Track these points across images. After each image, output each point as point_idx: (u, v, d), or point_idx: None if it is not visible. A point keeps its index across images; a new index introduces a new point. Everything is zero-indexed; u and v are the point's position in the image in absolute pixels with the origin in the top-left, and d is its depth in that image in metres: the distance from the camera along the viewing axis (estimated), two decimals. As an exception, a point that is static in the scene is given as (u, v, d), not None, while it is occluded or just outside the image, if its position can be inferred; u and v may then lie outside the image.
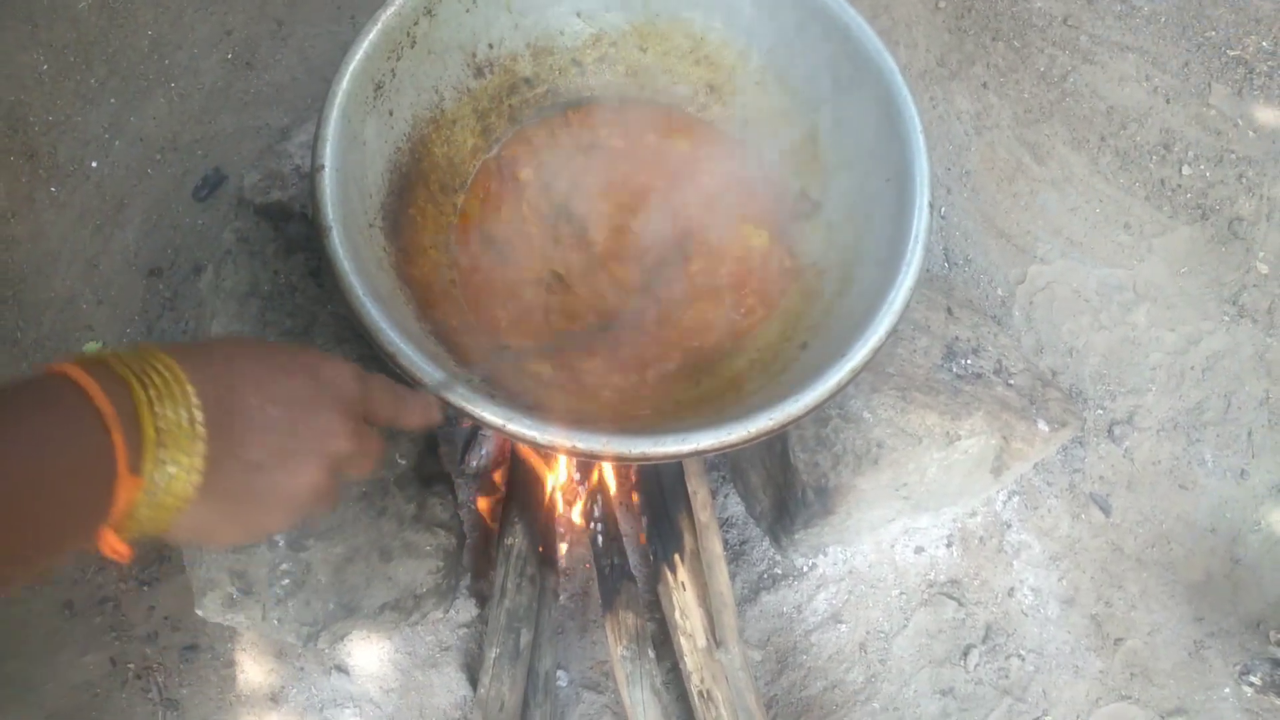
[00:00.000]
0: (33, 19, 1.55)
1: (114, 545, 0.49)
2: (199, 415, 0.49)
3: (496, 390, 0.90)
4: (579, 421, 0.86)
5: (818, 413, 1.18)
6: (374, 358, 0.86)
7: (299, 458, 0.57)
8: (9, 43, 1.54)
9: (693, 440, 0.86)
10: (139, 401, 0.47)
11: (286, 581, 1.05)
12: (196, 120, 1.60)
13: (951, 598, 1.42)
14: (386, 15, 1.02)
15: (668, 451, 0.86)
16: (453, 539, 1.14)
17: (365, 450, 0.64)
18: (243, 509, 0.54)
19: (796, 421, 0.90)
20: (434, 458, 1.19)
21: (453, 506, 1.17)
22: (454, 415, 1.42)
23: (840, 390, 0.91)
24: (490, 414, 0.83)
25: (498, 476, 1.42)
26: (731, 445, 0.87)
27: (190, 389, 0.50)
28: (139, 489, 0.48)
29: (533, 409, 0.86)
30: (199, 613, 1.10)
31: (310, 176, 0.93)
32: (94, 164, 1.56)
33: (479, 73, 1.16)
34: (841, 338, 0.95)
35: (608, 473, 1.41)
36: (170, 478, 0.48)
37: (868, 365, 0.92)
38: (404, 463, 1.12)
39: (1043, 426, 1.25)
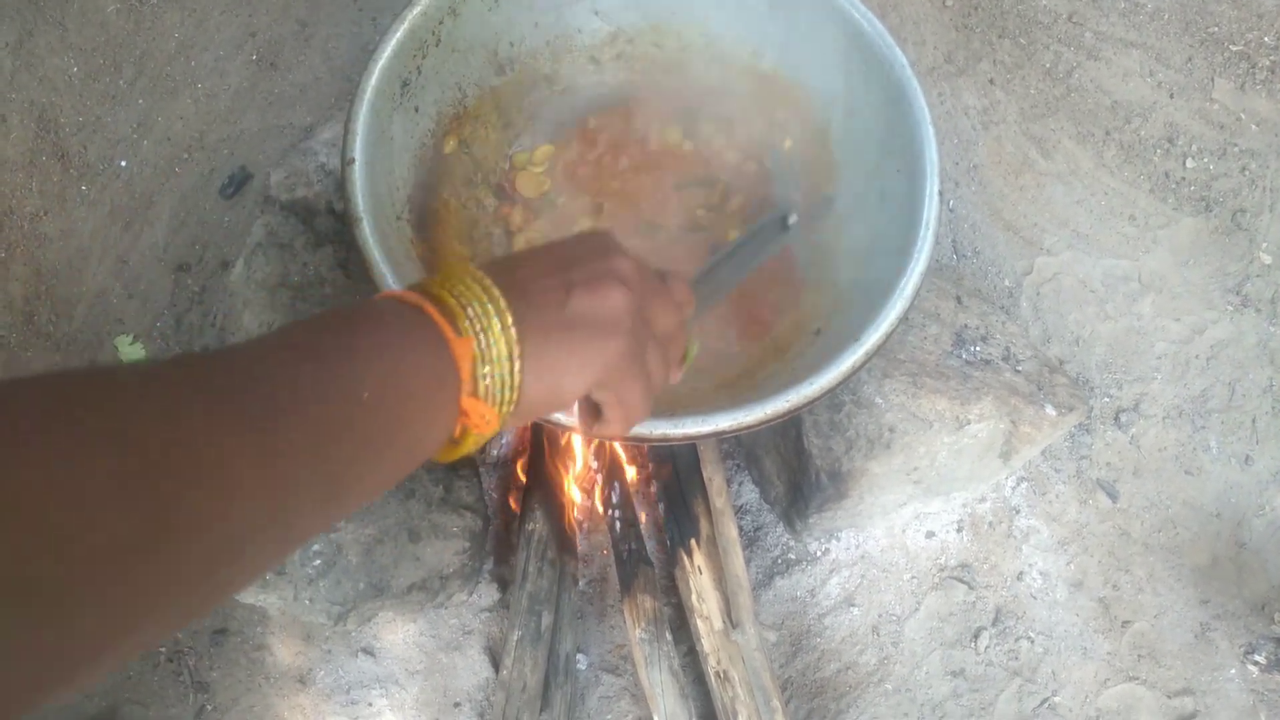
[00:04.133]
0: (63, 23, 1.59)
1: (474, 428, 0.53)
2: (509, 316, 0.53)
3: None
4: None
5: (831, 398, 1.22)
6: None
7: (595, 295, 0.58)
8: (40, 47, 1.58)
9: (711, 422, 0.90)
10: (459, 317, 0.52)
11: (318, 562, 1.09)
12: (223, 120, 1.64)
13: (962, 581, 1.45)
14: (413, 14, 1.05)
15: (687, 433, 0.90)
16: (478, 520, 1.18)
17: (663, 292, 0.64)
18: (559, 369, 0.56)
19: (811, 404, 0.93)
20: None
21: (478, 489, 1.21)
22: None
23: (854, 373, 0.94)
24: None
25: (518, 465, 1.45)
26: (748, 426, 0.91)
27: (497, 293, 0.53)
28: (475, 411, 0.52)
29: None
30: (232, 594, 1.14)
31: (341, 170, 0.97)
32: (123, 163, 1.60)
33: (500, 70, 1.20)
34: (855, 324, 0.98)
35: (625, 460, 1.44)
36: (498, 380, 0.52)
37: (880, 350, 0.95)
38: (431, 447, 1.15)
39: (1050, 411, 1.28)
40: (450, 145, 1.15)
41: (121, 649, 0.34)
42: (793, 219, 1.03)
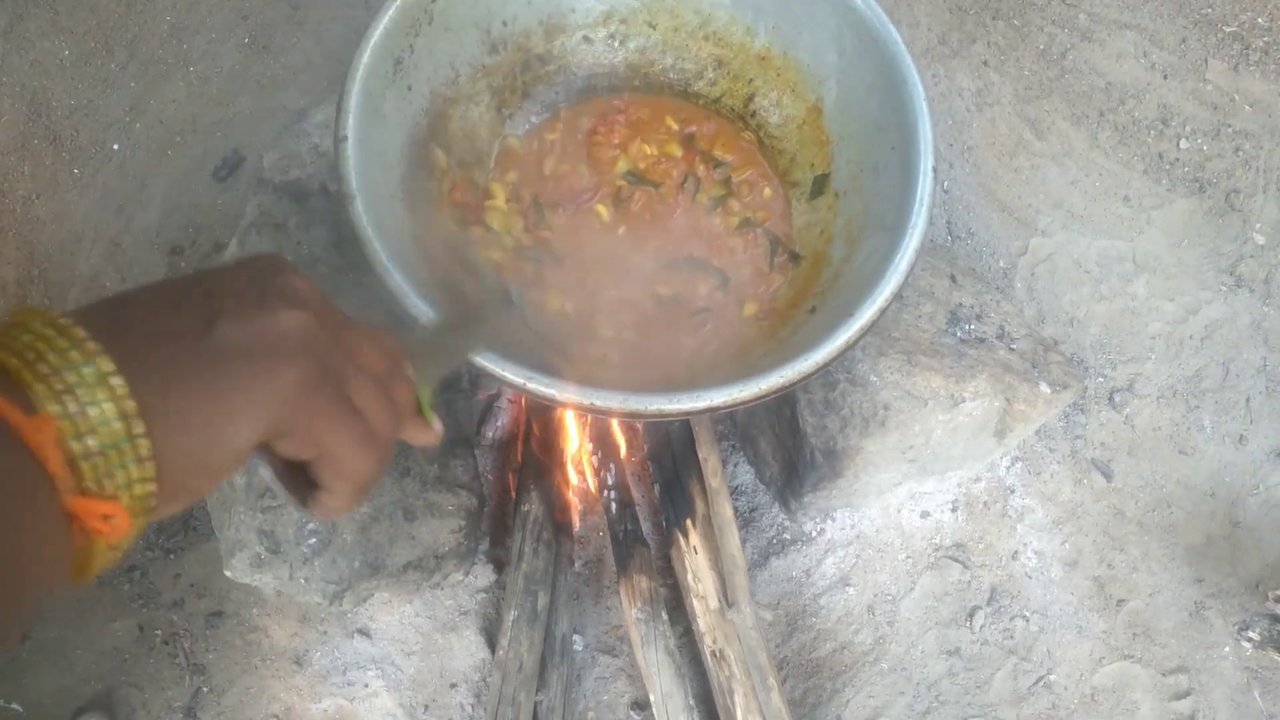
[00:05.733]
0: (54, 6, 1.59)
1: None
2: (108, 362, 0.38)
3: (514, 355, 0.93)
4: (595, 383, 0.89)
5: (826, 376, 1.22)
6: (400, 324, 0.89)
7: (250, 319, 0.44)
8: (32, 30, 1.57)
9: (706, 397, 0.90)
10: (28, 384, 0.37)
11: (313, 541, 1.09)
12: (215, 103, 1.64)
13: (957, 561, 1.45)
14: (405, -8, 1.05)
15: (682, 408, 0.90)
16: (473, 499, 1.18)
17: (361, 330, 0.51)
18: (209, 418, 0.42)
19: (806, 380, 0.93)
20: (454, 421, 1.23)
21: (473, 468, 1.21)
22: (470, 387, 1.46)
23: (848, 349, 0.94)
24: (511, 373, 0.87)
25: (514, 446, 1.45)
26: (744, 402, 0.91)
27: (81, 334, 0.39)
28: (91, 510, 0.37)
29: (552, 369, 0.89)
30: (227, 574, 1.14)
31: (334, 147, 0.96)
32: (115, 146, 1.59)
33: (493, 49, 1.19)
34: (849, 300, 0.98)
35: (620, 441, 1.44)
36: (112, 457, 0.38)
37: (874, 326, 0.95)
38: (426, 426, 1.15)
39: (1044, 388, 1.28)
40: (438, 158, 1.13)
41: None
42: (515, 291, 1.03)
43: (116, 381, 0.38)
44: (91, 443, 0.37)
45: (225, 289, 0.45)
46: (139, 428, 0.38)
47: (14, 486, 0.35)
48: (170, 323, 0.42)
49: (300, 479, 0.49)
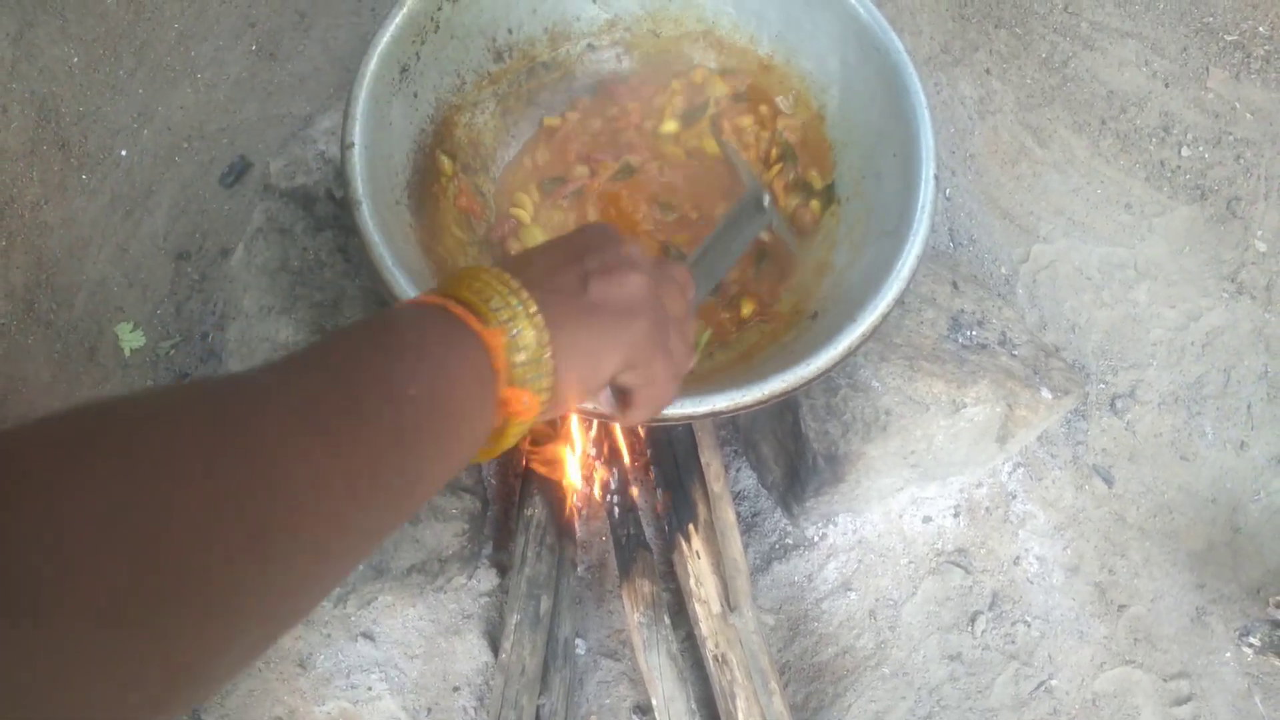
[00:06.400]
0: (63, 14, 1.60)
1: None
2: (533, 305, 0.54)
3: None
4: None
5: (827, 381, 1.23)
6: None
7: (611, 281, 0.59)
8: (41, 37, 1.59)
9: (709, 402, 0.90)
10: (484, 312, 0.52)
11: (319, 544, 1.10)
12: (222, 109, 1.65)
13: (959, 566, 1.46)
14: (411, 0, 1.06)
15: (685, 413, 0.90)
16: (477, 503, 1.19)
17: (669, 276, 0.67)
18: (590, 352, 0.57)
19: (808, 385, 0.93)
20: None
21: (477, 472, 1.21)
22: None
23: (850, 354, 0.95)
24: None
25: (517, 451, 1.46)
26: (746, 407, 0.91)
27: (517, 284, 0.54)
28: (515, 398, 0.53)
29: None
30: (234, 577, 1.15)
31: (341, 153, 0.97)
32: (123, 152, 1.60)
33: (499, 57, 1.21)
34: (851, 306, 0.98)
35: (623, 446, 1.45)
36: (532, 367, 0.53)
37: (876, 332, 0.96)
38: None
39: (1046, 394, 1.28)
40: (444, 164, 1.14)
41: (228, 659, 0.36)
42: (767, 200, 1.04)
43: (538, 319, 0.53)
44: (520, 356, 0.52)
45: (587, 256, 0.61)
46: (548, 352, 0.54)
47: (475, 373, 0.50)
48: (559, 281, 0.58)
49: (617, 391, 0.65)
